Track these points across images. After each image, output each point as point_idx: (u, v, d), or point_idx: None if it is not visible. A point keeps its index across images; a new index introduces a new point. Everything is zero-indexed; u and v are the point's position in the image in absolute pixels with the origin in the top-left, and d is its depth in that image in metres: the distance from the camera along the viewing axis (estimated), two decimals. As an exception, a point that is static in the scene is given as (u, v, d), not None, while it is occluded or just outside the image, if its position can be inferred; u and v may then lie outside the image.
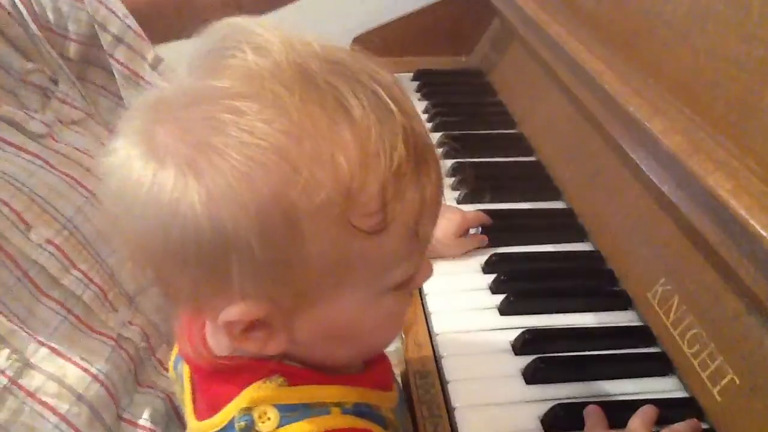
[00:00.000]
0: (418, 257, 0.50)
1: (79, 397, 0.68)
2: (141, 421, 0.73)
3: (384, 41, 1.45)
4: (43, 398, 0.66)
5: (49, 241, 0.71)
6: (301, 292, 0.46)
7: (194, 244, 0.44)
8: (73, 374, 0.68)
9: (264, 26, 0.46)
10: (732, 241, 0.69)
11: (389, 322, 0.54)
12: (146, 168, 0.44)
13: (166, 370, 0.77)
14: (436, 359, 0.78)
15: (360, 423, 0.52)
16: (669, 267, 0.80)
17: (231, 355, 0.53)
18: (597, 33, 1.02)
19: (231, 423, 0.50)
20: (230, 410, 0.51)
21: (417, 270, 0.51)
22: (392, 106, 0.45)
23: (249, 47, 0.45)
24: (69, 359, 0.69)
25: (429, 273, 0.54)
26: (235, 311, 0.46)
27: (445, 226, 0.89)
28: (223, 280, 0.45)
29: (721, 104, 0.75)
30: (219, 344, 0.54)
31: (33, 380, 0.66)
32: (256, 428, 0.49)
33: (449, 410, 0.72)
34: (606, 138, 0.95)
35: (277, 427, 0.49)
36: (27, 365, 0.67)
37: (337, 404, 0.52)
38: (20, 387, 0.65)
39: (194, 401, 0.57)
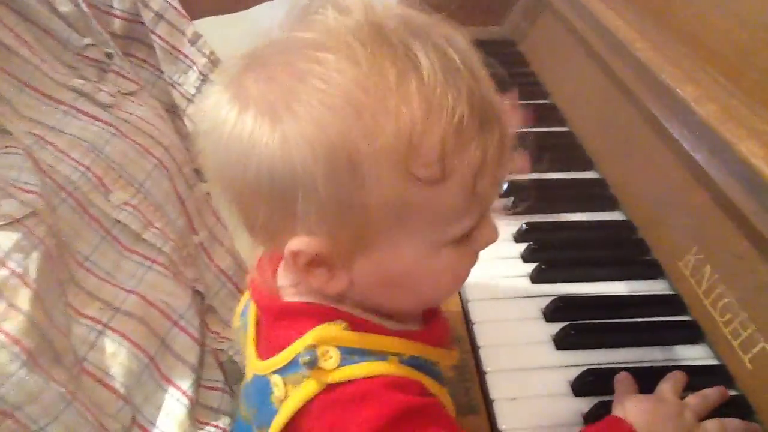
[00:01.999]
0: (477, 215, 0.52)
1: (162, 341, 0.73)
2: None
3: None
4: (137, 340, 0.71)
5: (126, 203, 0.77)
6: (360, 233, 0.49)
7: (268, 178, 0.48)
8: (157, 319, 0.73)
9: None
10: (764, 209, 0.69)
11: (446, 276, 0.55)
12: (231, 110, 0.49)
13: (211, 332, 0.81)
14: (468, 325, 0.80)
15: (414, 374, 0.54)
16: (701, 236, 0.80)
17: (300, 300, 0.56)
18: (630, 1, 1.01)
19: (295, 359, 0.53)
20: (296, 347, 0.53)
21: (476, 226, 0.53)
22: (461, 66, 0.48)
23: (333, 7, 0.49)
24: (154, 305, 0.74)
25: (493, 236, 0.56)
26: (298, 242, 0.50)
27: None
28: (291, 214, 0.49)
29: (755, 71, 0.75)
30: (294, 282, 0.57)
31: (126, 324, 0.71)
32: (319, 364, 0.52)
33: (480, 374, 0.74)
34: (639, 107, 0.95)
35: (338, 366, 0.52)
36: (119, 311, 0.71)
37: (396, 354, 0.54)
38: (114, 330, 0.70)
39: (257, 345, 0.60)
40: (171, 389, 0.72)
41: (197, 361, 0.75)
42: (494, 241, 0.56)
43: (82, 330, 0.69)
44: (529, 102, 1.25)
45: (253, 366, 0.58)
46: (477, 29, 1.51)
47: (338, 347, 0.53)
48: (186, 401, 0.72)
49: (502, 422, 0.69)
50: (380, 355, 0.54)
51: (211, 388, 0.78)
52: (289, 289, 0.58)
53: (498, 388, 0.72)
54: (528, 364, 0.74)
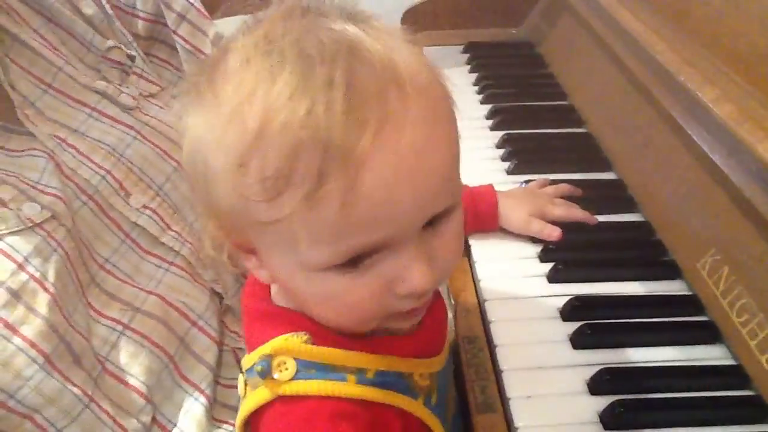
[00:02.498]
0: (342, 249, 0.48)
1: (181, 341, 0.74)
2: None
3: (435, 14, 1.45)
4: (157, 340, 0.72)
5: (145, 206, 0.78)
6: (233, 230, 0.51)
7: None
8: (176, 319, 0.74)
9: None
10: (782, 210, 0.69)
11: (327, 302, 0.52)
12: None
13: (231, 331, 0.82)
14: (485, 324, 0.80)
15: (373, 394, 0.54)
16: (719, 237, 0.80)
17: (278, 305, 0.58)
18: (649, 2, 1.01)
19: (253, 366, 0.54)
20: (258, 352, 0.55)
21: (373, 257, 0.49)
22: (327, 92, 0.44)
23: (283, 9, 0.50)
24: (173, 305, 0.75)
25: (410, 281, 0.50)
26: (211, 225, 0.53)
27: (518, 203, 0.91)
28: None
29: (774, 73, 0.75)
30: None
31: (146, 324, 0.72)
32: (272, 374, 0.53)
33: (497, 373, 0.74)
34: (657, 108, 0.95)
35: (291, 379, 0.53)
36: (139, 312, 0.72)
37: (357, 371, 0.54)
38: (135, 331, 0.71)
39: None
40: (189, 388, 0.73)
41: (215, 361, 0.76)
42: (414, 288, 0.50)
43: (104, 331, 0.70)
44: (547, 103, 1.25)
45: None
46: (496, 31, 1.51)
47: (296, 359, 0.53)
48: (204, 400, 0.73)
49: (518, 420, 0.69)
50: (339, 372, 0.53)
51: (230, 387, 0.79)
52: (275, 291, 0.59)
53: (514, 386, 0.72)
54: (544, 363, 0.75)
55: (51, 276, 0.65)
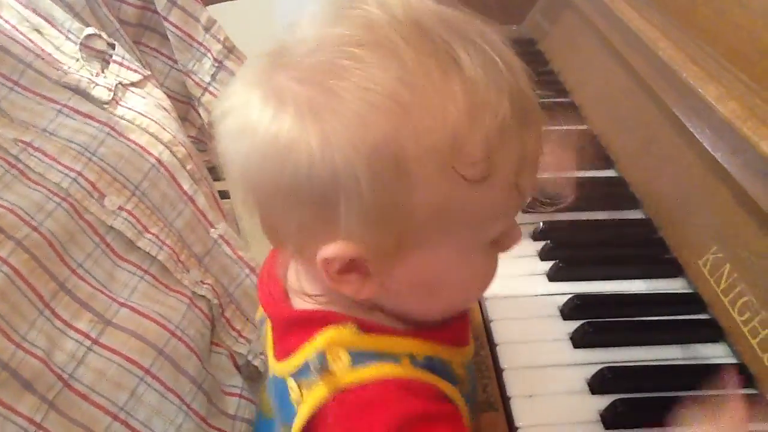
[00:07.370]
0: (513, 214, 0.53)
1: (161, 352, 0.69)
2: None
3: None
4: (128, 354, 0.67)
5: (121, 208, 0.73)
6: (402, 236, 0.48)
7: (306, 181, 0.46)
8: (153, 330, 0.70)
9: None
10: (785, 208, 0.69)
11: (477, 279, 0.55)
12: (265, 109, 0.47)
13: (233, 329, 0.80)
14: (485, 322, 0.80)
15: (428, 377, 0.54)
16: (721, 235, 0.79)
17: (308, 308, 0.56)
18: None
19: (307, 363, 0.53)
20: (307, 351, 0.53)
21: (510, 228, 0.54)
22: (499, 63, 0.48)
23: (370, 3, 0.48)
24: (148, 316, 0.70)
25: (517, 237, 0.55)
26: (333, 248, 0.48)
27: None
28: (329, 219, 0.47)
29: (777, 70, 0.74)
30: (311, 289, 0.56)
31: (116, 338, 0.67)
32: (329, 367, 0.52)
33: (498, 372, 0.74)
34: (660, 106, 0.94)
35: (348, 368, 0.52)
36: (109, 324, 0.68)
37: (409, 355, 0.54)
38: (104, 346, 0.66)
39: (273, 345, 0.60)
40: (176, 400, 0.69)
41: (197, 372, 0.72)
42: (518, 243, 0.55)
43: (71, 345, 0.65)
44: (548, 101, 1.25)
45: (272, 365, 0.59)
46: (497, 28, 1.50)
47: (348, 350, 0.52)
48: (191, 413, 0.70)
49: (519, 419, 0.69)
50: (392, 357, 0.53)
51: (229, 394, 0.76)
52: (299, 294, 0.57)
53: (515, 385, 0.72)
54: (545, 362, 0.74)
55: None
